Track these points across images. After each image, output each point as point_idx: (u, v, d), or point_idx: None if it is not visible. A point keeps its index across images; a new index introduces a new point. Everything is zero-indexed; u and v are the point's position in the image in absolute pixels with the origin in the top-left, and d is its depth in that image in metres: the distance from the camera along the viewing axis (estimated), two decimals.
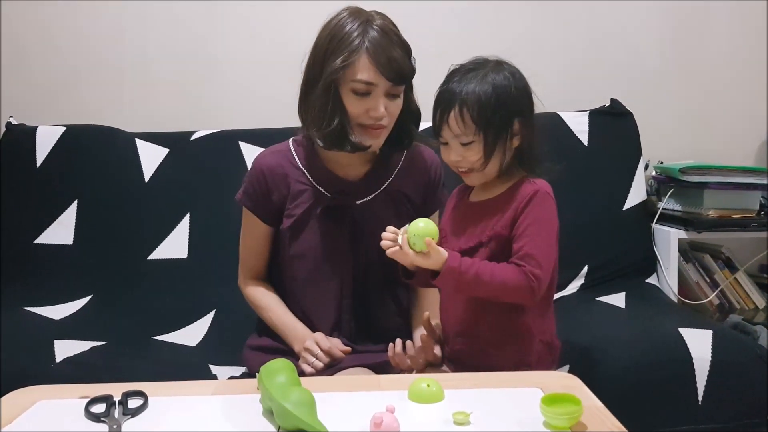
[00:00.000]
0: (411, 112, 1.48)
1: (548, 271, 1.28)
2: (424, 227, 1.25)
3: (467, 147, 1.32)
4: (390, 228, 1.29)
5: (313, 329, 1.49)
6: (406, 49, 1.40)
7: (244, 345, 1.60)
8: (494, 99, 1.30)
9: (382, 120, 1.38)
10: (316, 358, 1.39)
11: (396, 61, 1.35)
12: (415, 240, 1.23)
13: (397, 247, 1.26)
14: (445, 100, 1.33)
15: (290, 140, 1.55)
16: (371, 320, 1.51)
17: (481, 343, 1.35)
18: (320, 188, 1.49)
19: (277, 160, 1.52)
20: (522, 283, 1.24)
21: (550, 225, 1.31)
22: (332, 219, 1.47)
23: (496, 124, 1.30)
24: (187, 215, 2.14)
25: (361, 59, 1.34)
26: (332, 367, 1.39)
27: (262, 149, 1.60)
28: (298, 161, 1.51)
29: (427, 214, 1.53)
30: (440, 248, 1.25)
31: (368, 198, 1.50)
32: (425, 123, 1.97)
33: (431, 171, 1.57)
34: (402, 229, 1.27)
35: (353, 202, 1.49)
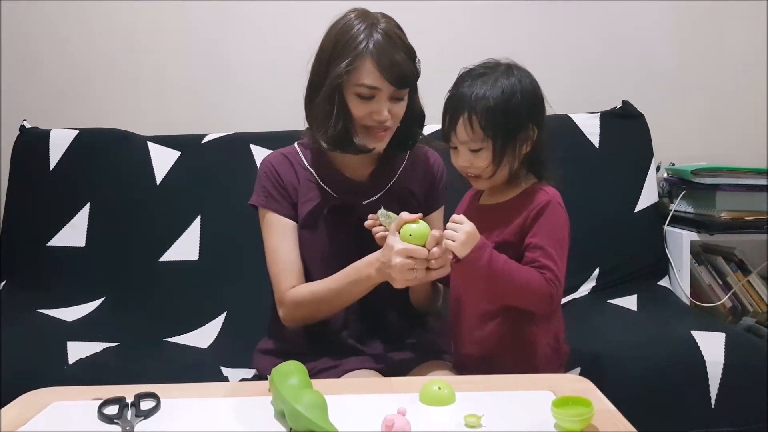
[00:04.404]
0: (415, 114, 1.49)
1: (562, 281, 1.28)
2: (417, 228, 1.27)
3: (476, 153, 1.31)
4: (370, 216, 1.36)
5: (321, 329, 1.48)
6: (410, 52, 1.40)
7: (255, 350, 1.60)
8: (504, 106, 1.28)
9: (386, 122, 1.39)
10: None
11: (399, 65, 1.36)
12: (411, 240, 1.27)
13: (382, 228, 1.33)
14: (453, 106, 1.33)
15: (296, 143, 1.56)
16: (378, 320, 1.51)
17: (488, 350, 1.35)
18: (327, 188, 1.49)
19: (285, 160, 1.52)
20: (543, 287, 1.25)
21: (562, 237, 1.31)
22: (339, 219, 1.48)
23: (505, 132, 1.29)
24: (199, 217, 2.14)
25: (365, 64, 1.35)
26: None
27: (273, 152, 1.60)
28: (305, 162, 1.52)
29: (428, 212, 1.54)
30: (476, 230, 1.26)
31: (374, 198, 1.50)
32: (435, 125, 1.98)
33: (434, 171, 1.58)
34: (377, 213, 1.34)
35: (360, 202, 1.49)
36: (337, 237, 1.47)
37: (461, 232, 1.23)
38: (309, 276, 1.48)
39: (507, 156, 1.31)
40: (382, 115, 1.38)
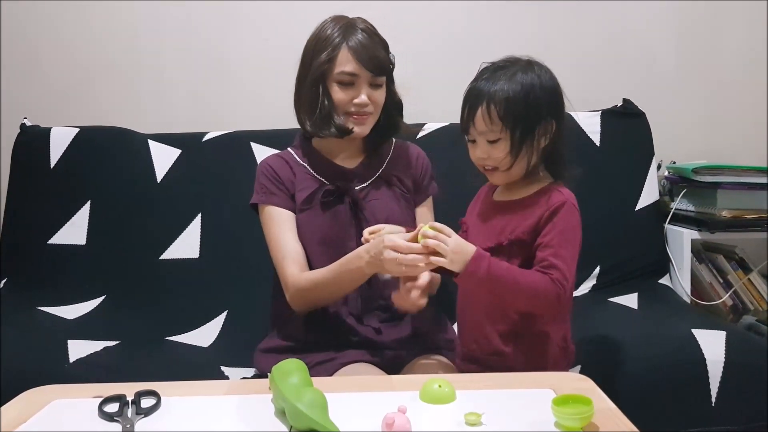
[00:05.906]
0: (394, 103, 1.61)
1: (572, 283, 1.27)
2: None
3: (493, 145, 1.32)
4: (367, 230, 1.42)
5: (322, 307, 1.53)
6: (384, 45, 1.54)
7: (256, 349, 1.61)
8: (522, 97, 1.30)
9: (366, 108, 1.51)
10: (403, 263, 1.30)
11: (375, 54, 1.50)
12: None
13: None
14: (473, 98, 1.34)
15: (288, 148, 1.65)
16: (374, 296, 1.54)
17: (498, 347, 1.34)
18: (321, 177, 1.57)
19: (280, 159, 1.62)
20: (550, 288, 1.24)
21: (575, 238, 1.31)
22: (334, 201, 1.55)
23: (524, 123, 1.30)
24: (199, 215, 2.14)
25: (342, 53, 1.49)
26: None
27: (274, 150, 1.63)
28: (298, 159, 1.60)
29: (417, 203, 1.65)
30: (465, 242, 1.25)
31: (365, 184, 1.59)
32: (435, 123, 1.98)
33: (418, 161, 1.67)
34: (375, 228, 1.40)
35: (352, 187, 1.57)
36: (332, 218, 1.54)
37: (450, 245, 1.24)
38: (309, 255, 1.53)
39: (525, 148, 1.32)
40: (362, 99, 1.50)
